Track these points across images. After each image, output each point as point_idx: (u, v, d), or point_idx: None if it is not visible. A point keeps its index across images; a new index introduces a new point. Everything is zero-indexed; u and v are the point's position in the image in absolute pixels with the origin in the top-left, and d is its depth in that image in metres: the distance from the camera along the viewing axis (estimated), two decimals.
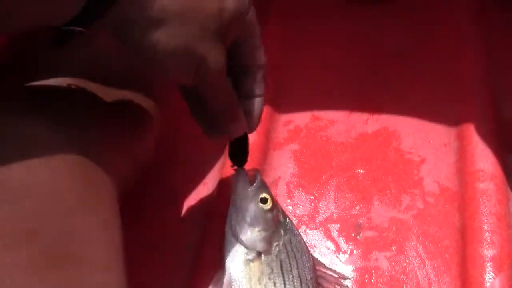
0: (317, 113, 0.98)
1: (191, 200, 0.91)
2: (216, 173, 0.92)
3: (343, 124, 0.97)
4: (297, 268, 0.72)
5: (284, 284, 0.70)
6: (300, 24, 1.08)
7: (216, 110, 0.66)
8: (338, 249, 0.83)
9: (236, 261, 0.72)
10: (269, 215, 0.74)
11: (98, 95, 0.67)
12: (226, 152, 0.92)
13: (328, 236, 0.84)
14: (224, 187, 0.86)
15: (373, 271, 0.81)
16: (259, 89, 0.69)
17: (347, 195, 0.89)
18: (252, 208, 0.74)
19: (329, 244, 0.84)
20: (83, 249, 0.55)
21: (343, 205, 0.88)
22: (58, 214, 0.54)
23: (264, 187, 0.76)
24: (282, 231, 0.74)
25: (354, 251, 0.83)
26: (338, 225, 0.86)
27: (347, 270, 0.82)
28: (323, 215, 0.87)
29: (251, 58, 0.67)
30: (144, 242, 0.86)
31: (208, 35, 0.57)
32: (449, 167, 0.89)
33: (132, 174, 0.72)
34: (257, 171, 0.77)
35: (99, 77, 0.70)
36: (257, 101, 0.69)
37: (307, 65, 1.02)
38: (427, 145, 0.93)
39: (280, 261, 0.72)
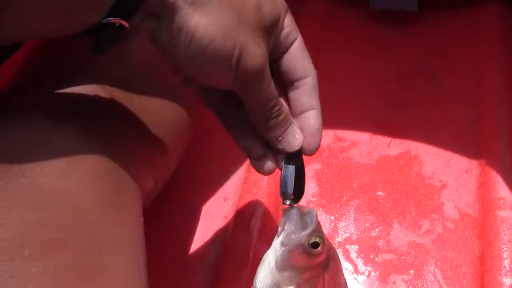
0: (340, 133, 0.98)
1: (212, 216, 0.91)
2: (237, 188, 0.93)
3: (365, 146, 0.97)
4: None
5: None
6: (323, 44, 1.09)
7: (261, 114, 0.57)
8: (356, 271, 0.84)
9: None
10: (317, 260, 0.64)
11: (128, 107, 0.67)
12: (248, 165, 0.92)
13: (347, 257, 0.85)
14: (246, 203, 0.87)
15: None
16: (311, 101, 0.60)
17: (367, 216, 0.89)
18: (299, 251, 0.62)
19: (347, 265, 0.84)
20: (107, 262, 0.55)
21: (363, 227, 0.88)
22: (84, 225, 0.54)
23: (319, 231, 0.63)
24: (324, 272, 0.70)
25: (372, 273, 0.83)
26: (357, 246, 0.86)
27: None
28: (343, 236, 0.87)
29: (298, 67, 0.59)
30: (163, 258, 0.86)
31: (249, 26, 0.53)
32: (470, 194, 0.90)
33: (155, 186, 0.73)
34: (315, 214, 0.62)
35: (129, 87, 0.69)
36: (312, 114, 0.60)
37: (331, 85, 1.03)
38: (448, 171, 0.93)
39: None
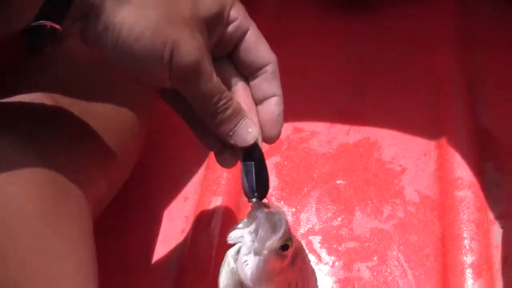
0: (299, 124, 0.98)
1: (173, 216, 0.91)
2: (197, 187, 0.92)
3: (324, 135, 0.97)
4: None
5: None
6: (279, 34, 1.08)
7: (206, 109, 0.55)
8: (320, 261, 0.84)
9: None
10: (286, 260, 0.62)
11: (74, 112, 0.66)
12: (207, 164, 0.92)
13: (310, 248, 0.84)
14: (206, 202, 0.86)
15: (355, 282, 0.81)
16: (272, 88, 0.59)
17: (328, 206, 0.89)
18: (271, 254, 0.60)
19: (311, 256, 0.84)
20: (52, 273, 0.54)
21: (325, 217, 0.88)
22: (25, 236, 0.53)
23: (289, 233, 0.60)
24: (292, 267, 0.68)
25: (336, 263, 0.83)
26: (320, 236, 0.86)
27: (330, 281, 0.82)
28: (305, 227, 0.87)
29: (256, 57, 0.58)
30: (124, 262, 0.86)
31: (182, 20, 0.52)
32: (429, 176, 0.90)
33: (109, 191, 0.72)
34: (282, 213, 0.59)
35: (75, 91, 0.68)
36: (273, 101, 0.59)
37: (287, 76, 1.02)
38: (407, 155, 0.93)
39: None
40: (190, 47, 0.52)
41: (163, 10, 0.51)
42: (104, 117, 0.72)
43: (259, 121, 0.59)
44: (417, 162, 0.92)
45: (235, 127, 0.57)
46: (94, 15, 0.50)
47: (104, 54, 0.52)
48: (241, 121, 0.57)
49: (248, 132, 0.57)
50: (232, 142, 0.57)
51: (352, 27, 1.10)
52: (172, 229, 0.89)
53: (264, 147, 0.59)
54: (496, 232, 0.82)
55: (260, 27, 0.59)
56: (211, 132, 0.58)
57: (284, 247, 0.58)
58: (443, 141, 0.91)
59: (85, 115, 0.67)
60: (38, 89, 0.65)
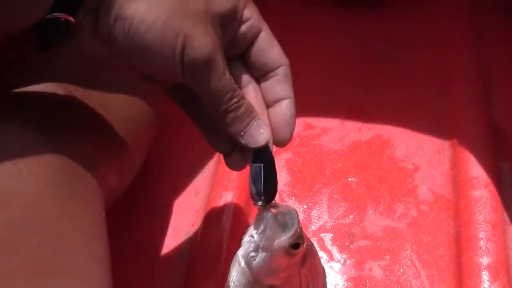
0: (310, 121, 0.97)
1: (183, 211, 0.90)
2: (208, 182, 0.91)
3: (336, 132, 0.96)
4: None
5: None
6: (290, 32, 1.07)
7: (217, 107, 0.54)
8: (331, 259, 0.83)
9: None
10: (296, 258, 0.61)
11: (87, 103, 0.66)
12: (218, 159, 0.91)
13: (322, 245, 0.83)
14: (217, 196, 0.85)
15: (367, 281, 0.80)
16: (284, 90, 0.58)
17: (340, 204, 0.88)
18: (281, 253, 0.58)
19: (322, 254, 0.83)
20: (65, 260, 0.53)
21: (336, 214, 0.87)
22: (40, 223, 0.53)
23: (301, 233, 0.59)
24: (301, 267, 0.67)
25: (348, 261, 0.82)
26: (332, 234, 0.85)
27: (341, 279, 0.81)
28: (316, 224, 0.86)
29: (268, 59, 0.58)
30: (134, 254, 0.85)
31: (195, 14, 0.51)
32: (443, 175, 0.89)
33: (120, 183, 0.71)
34: (294, 212, 0.58)
35: (89, 83, 0.68)
36: (285, 104, 0.58)
37: (299, 73, 1.01)
38: (420, 153, 0.92)
39: None
40: (203, 41, 0.51)
41: (176, 3, 0.50)
42: (117, 109, 0.71)
43: (270, 124, 0.58)
44: (430, 161, 0.91)
45: (246, 127, 0.55)
46: (106, 7, 0.49)
47: (116, 48, 0.51)
48: (253, 121, 0.56)
49: (260, 133, 0.56)
50: (243, 142, 0.56)
51: (364, 24, 1.09)
52: (183, 223, 0.88)
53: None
54: None
55: (271, 26, 0.58)
56: (220, 133, 0.57)
57: (295, 245, 0.57)
58: (457, 139, 0.90)
59: (98, 106, 0.67)
60: (51, 80, 0.65)
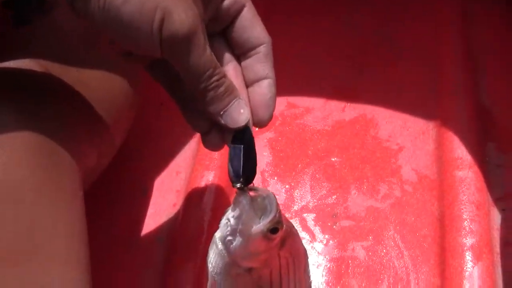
0: (293, 100, 0.96)
1: (164, 190, 0.89)
2: (189, 161, 0.90)
3: (319, 112, 0.95)
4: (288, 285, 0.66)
5: None
6: (274, 9, 1.06)
7: (197, 85, 0.52)
8: (314, 239, 0.82)
9: (225, 273, 0.62)
10: (274, 242, 0.60)
11: (65, 81, 0.64)
12: (199, 138, 0.90)
13: (304, 225, 0.83)
14: (198, 176, 0.84)
15: (350, 261, 0.79)
16: (264, 69, 0.56)
17: (323, 184, 0.87)
18: (258, 238, 0.58)
19: (305, 234, 0.82)
20: (42, 244, 0.52)
21: (319, 194, 0.86)
22: (14, 206, 0.51)
23: (280, 218, 0.58)
24: (280, 250, 0.66)
25: (331, 241, 0.81)
26: (314, 214, 0.84)
27: (324, 260, 0.80)
28: (299, 204, 0.85)
29: (250, 36, 0.56)
30: (113, 237, 0.84)
31: None
32: (427, 155, 0.88)
33: (99, 163, 0.69)
34: (273, 196, 0.57)
35: (66, 60, 0.66)
36: (264, 84, 0.56)
37: (282, 51, 1.00)
38: (405, 133, 0.91)
39: (271, 276, 0.66)
40: (183, 15, 0.49)
41: None
42: (97, 87, 0.70)
43: (250, 104, 0.56)
44: (414, 141, 0.90)
45: (226, 107, 0.54)
46: None
47: (93, 23, 0.49)
48: (234, 101, 0.54)
49: (240, 113, 0.54)
50: (222, 122, 0.54)
51: (351, 3, 1.08)
52: (163, 203, 0.87)
53: None
54: (497, 214, 0.81)
55: (254, 2, 0.56)
56: (199, 112, 0.55)
57: (273, 230, 0.56)
58: (442, 120, 0.89)
59: (77, 84, 0.66)
60: (27, 56, 0.62)
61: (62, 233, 0.55)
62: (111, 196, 0.87)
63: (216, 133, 0.56)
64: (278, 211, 0.56)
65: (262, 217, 0.56)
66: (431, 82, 0.95)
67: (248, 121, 0.55)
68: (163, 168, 0.91)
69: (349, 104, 0.95)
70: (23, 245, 0.51)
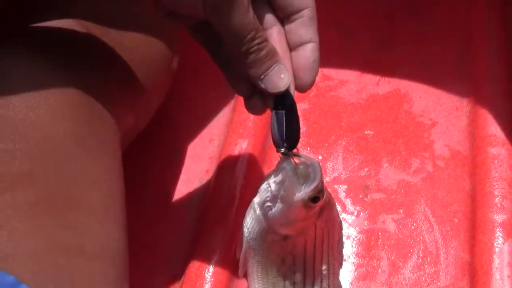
0: (328, 72, 0.96)
1: (197, 157, 0.89)
2: (223, 129, 0.91)
3: (354, 85, 0.95)
4: (321, 257, 0.64)
5: (305, 271, 0.64)
6: None
7: (238, 47, 0.52)
8: (344, 210, 0.82)
9: (260, 239, 0.63)
10: (314, 211, 0.60)
11: (106, 42, 0.65)
12: (234, 106, 0.90)
13: (335, 197, 0.83)
14: (232, 144, 0.85)
15: (380, 233, 0.80)
16: (308, 33, 0.55)
17: (355, 156, 0.87)
18: (298, 205, 0.58)
19: (336, 205, 0.82)
20: (81, 196, 0.53)
21: (351, 166, 0.86)
22: (57, 158, 0.52)
23: (322, 187, 0.58)
24: (317, 219, 0.62)
25: (361, 213, 0.82)
26: (346, 186, 0.85)
27: (354, 231, 0.81)
28: (331, 176, 0.86)
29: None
30: (147, 198, 0.85)
31: None
32: (460, 131, 0.88)
33: (136, 125, 0.70)
34: (317, 165, 0.57)
35: (108, 22, 0.66)
36: (308, 47, 0.55)
37: (319, 23, 0.99)
38: (438, 109, 0.91)
39: (305, 245, 0.64)
40: None
41: None
42: (136, 50, 0.70)
43: (293, 68, 0.56)
44: (448, 117, 0.90)
45: (267, 71, 0.53)
46: None
47: None
48: (275, 65, 0.53)
49: (280, 78, 0.54)
50: (262, 86, 0.54)
51: None
52: (196, 169, 0.88)
53: None
54: None
55: None
56: (242, 76, 0.55)
57: (315, 199, 0.57)
58: (476, 96, 0.89)
59: (117, 46, 0.66)
60: (70, 17, 0.63)
61: (101, 188, 0.56)
62: (145, 160, 0.88)
63: (258, 97, 0.56)
64: (321, 180, 0.56)
65: (305, 184, 0.56)
66: (465, 58, 0.94)
67: (289, 86, 0.55)
68: (196, 135, 0.92)
69: (383, 78, 0.95)
70: (63, 196, 0.52)
